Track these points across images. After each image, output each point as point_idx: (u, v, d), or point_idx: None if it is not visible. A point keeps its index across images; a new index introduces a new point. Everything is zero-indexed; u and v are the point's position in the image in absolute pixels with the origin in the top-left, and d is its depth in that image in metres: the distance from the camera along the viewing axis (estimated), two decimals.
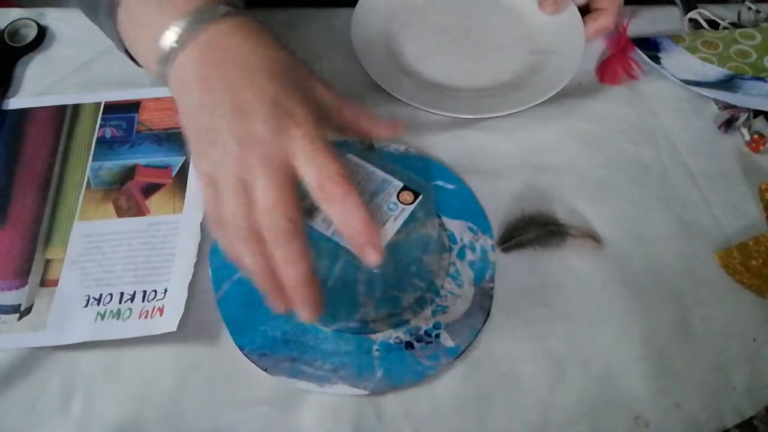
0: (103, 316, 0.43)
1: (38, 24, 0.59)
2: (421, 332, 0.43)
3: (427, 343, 0.43)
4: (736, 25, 0.61)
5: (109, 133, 0.53)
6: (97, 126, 0.53)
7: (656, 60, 0.57)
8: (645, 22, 0.61)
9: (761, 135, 0.53)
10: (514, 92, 0.54)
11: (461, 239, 0.47)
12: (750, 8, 0.62)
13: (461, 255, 0.47)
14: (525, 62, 0.57)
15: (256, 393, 0.41)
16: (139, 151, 0.52)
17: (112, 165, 0.51)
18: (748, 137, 0.53)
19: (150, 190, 0.50)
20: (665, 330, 0.44)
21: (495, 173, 0.51)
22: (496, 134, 0.53)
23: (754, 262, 0.46)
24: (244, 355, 0.42)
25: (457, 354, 0.42)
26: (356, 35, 0.56)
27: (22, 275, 0.45)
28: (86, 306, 0.44)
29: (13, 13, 0.60)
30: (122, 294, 0.44)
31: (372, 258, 0.36)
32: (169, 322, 0.43)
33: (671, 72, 0.56)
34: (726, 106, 0.54)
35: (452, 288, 0.45)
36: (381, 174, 0.41)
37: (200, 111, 0.36)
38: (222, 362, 0.43)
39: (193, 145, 0.37)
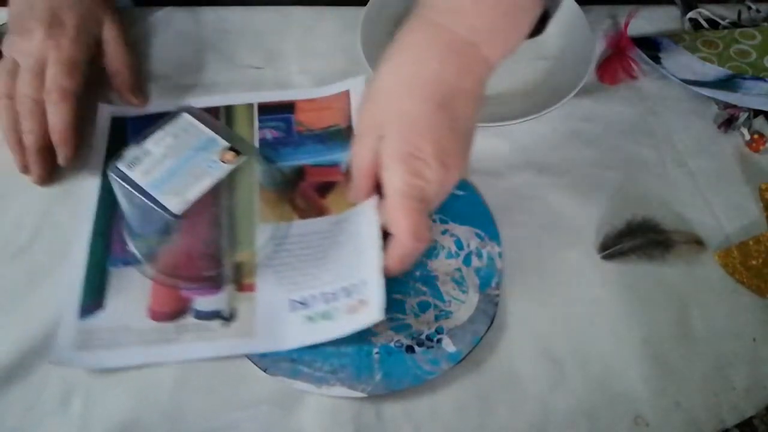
0: (313, 320, 0.43)
1: None
2: (423, 336, 0.43)
3: (429, 347, 0.42)
4: (736, 24, 0.61)
5: (269, 135, 0.52)
6: (256, 127, 0.53)
7: (656, 60, 0.57)
8: (645, 22, 0.61)
9: (761, 135, 0.53)
10: (524, 100, 0.54)
11: (468, 245, 0.47)
12: (750, 8, 0.62)
13: (467, 261, 0.46)
14: (533, 68, 0.57)
15: (256, 393, 0.41)
16: (304, 151, 0.51)
17: (281, 166, 0.50)
18: (748, 137, 0.53)
19: (324, 189, 0.49)
20: (665, 330, 0.44)
21: (495, 173, 0.51)
22: (497, 134, 0.53)
23: (754, 262, 0.46)
24: (244, 354, 0.42)
25: (458, 360, 0.42)
26: (365, 42, 0.56)
27: (214, 279, 0.44)
28: (292, 311, 0.43)
29: (3, 14, 0.59)
30: (325, 295, 0.44)
31: (60, 159, 0.48)
32: (374, 312, 0.41)
33: (671, 72, 0.56)
34: (726, 106, 0.54)
35: (457, 294, 0.45)
36: (210, 134, 0.42)
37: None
38: (222, 362, 0.43)
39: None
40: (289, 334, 0.42)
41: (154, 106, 0.54)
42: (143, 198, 0.40)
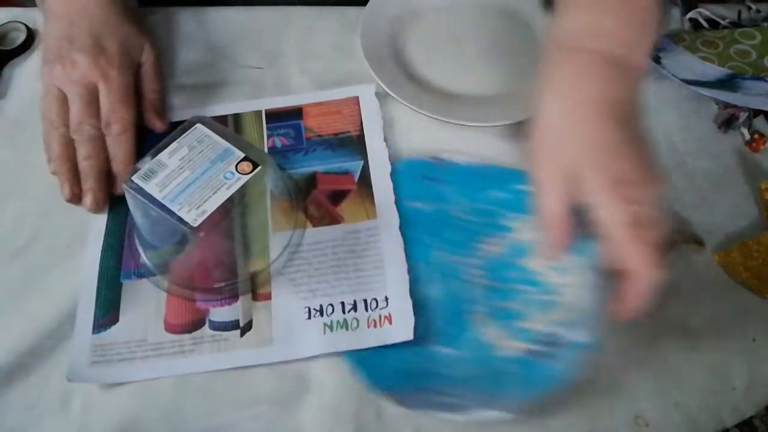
0: (331, 328, 0.43)
1: (28, 27, 0.58)
2: (543, 335, 0.42)
3: (557, 345, 0.41)
4: (736, 24, 0.61)
5: (279, 142, 0.52)
6: (265, 135, 0.53)
7: (656, 59, 0.57)
8: None
9: (761, 134, 0.53)
10: (524, 100, 0.53)
11: None
12: (750, 8, 0.62)
13: None
14: (534, 68, 0.56)
15: (256, 392, 0.41)
16: (314, 158, 0.51)
17: (291, 174, 0.50)
18: (748, 137, 0.53)
19: (337, 197, 0.49)
20: (665, 330, 0.44)
21: None
22: (497, 134, 0.53)
23: (754, 262, 0.46)
24: (381, 394, 0.40)
25: (594, 347, 0.40)
26: (365, 42, 0.56)
27: (229, 289, 0.44)
28: (309, 318, 0.43)
29: (1, 16, 0.59)
30: (343, 304, 0.43)
31: (121, 188, 0.47)
32: (402, 331, 0.42)
33: (671, 71, 0.56)
34: (726, 106, 0.54)
35: (560, 281, 0.44)
36: (225, 144, 0.42)
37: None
38: None
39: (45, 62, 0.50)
40: (307, 342, 0.42)
41: None
42: (160, 211, 0.39)
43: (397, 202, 0.48)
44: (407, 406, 0.40)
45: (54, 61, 0.49)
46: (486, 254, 0.46)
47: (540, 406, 0.40)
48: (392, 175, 0.49)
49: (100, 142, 0.48)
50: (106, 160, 0.48)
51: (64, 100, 0.48)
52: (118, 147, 0.48)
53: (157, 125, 0.52)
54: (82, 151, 0.47)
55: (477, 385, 0.40)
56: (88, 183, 0.47)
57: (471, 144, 0.52)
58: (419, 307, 0.43)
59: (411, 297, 0.44)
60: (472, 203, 0.48)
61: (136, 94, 0.51)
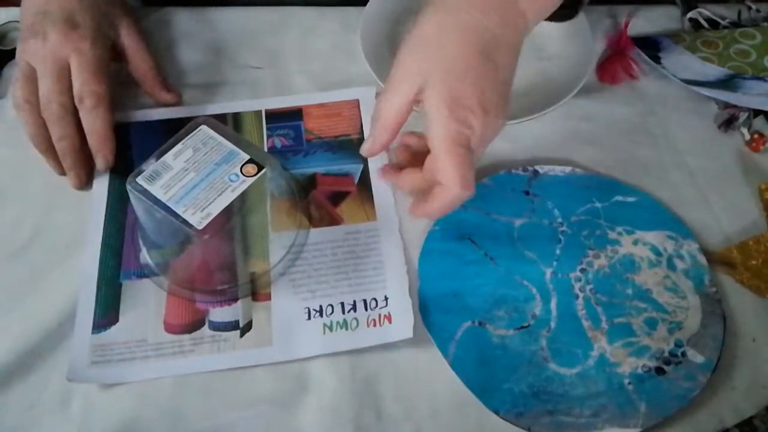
0: (330, 328, 0.43)
1: None
2: (666, 354, 0.42)
3: (677, 363, 0.41)
4: (736, 24, 0.61)
5: (278, 143, 0.52)
6: (265, 135, 0.52)
7: (656, 59, 0.57)
8: (645, 22, 0.61)
9: (761, 134, 0.53)
10: (524, 100, 0.53)
11: (665, 250, 0.46)
12: (750, 8, 0.62)
13: (671, 266, 0.45)
14: (533, 68, 0.57)
15: (256, 392, 0.41)
16: (314, 159, 0.51)
17: (292, 174, 0.50)
18: (748, 137, 0.53)
19: (337, 198, 0.49)
20: None
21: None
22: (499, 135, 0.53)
23: (754, 262, 0.46)
24: (501, 417, 0.40)
25: (712, 368, 0.41)
26: (365, 42, 0.56)
27: (229, 290, 0.44)
28: (309, 319, 0.43)
29: (1, 16, 0.59)
30: (343, 304, 0.44)
31: (100, 164, 0.48)
32: (402, 329, 0.42)
33: (671, 71, 0.56)
34: (726, 106, 0.54)
35: (676, 302, 0.44)
36: (230, 146, 0.42)
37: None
38: None
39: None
40: (307, 342, 0.42)
41: (158, 113, 0.53)
42: (164, 213, 0.39)
43: (493, 219, 0.48)
44: (535, 430, 0.39)
45: (28, 37, 0.48)
46: (594, 268, 0.45)
47: (667, 424, 0.40)
48: (486, 190, 0.49)
49: (72, 118, 0.47)
50: (82, 137, 0.47)
51: (32, 77, 0.48)
52: (93, 121, 0.47)
53: (168, 98, 0.51)
54: (55, 131, 0.47)
55: (605, 404, 0.40)
56: (67, 163, 0.47)
57: None
58: (534, 325, 0.43)
59: (524, 315, 0.44)
60: (575, 216, 0.48)
61: (134, 80, 0.51)
